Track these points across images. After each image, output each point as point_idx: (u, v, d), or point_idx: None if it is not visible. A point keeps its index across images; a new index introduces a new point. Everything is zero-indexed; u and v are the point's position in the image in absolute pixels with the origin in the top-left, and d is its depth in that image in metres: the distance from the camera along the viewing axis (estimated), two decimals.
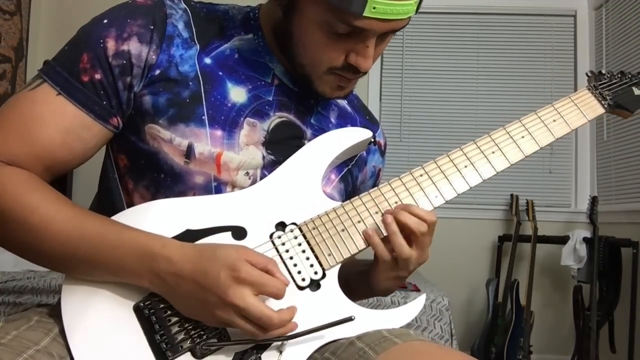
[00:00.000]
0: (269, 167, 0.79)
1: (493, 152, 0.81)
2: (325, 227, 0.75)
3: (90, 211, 0.73)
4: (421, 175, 0.79)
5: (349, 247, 0.75)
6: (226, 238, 0.73)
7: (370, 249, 0.77)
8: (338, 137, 0.82)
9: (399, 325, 0.73)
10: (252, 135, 0.78)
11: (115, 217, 0.73)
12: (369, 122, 0.96)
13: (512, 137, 0.82)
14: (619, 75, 0.92)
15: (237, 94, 0.79)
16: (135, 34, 0.74)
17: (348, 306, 0.73)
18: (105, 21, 0.75)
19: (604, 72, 0.93)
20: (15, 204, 0.68)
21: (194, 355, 0.67)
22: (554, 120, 0.84)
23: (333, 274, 0.74)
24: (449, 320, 1.89)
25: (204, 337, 0.68)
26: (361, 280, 0.82)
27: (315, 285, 0.73)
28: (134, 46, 0.74)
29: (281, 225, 0.75)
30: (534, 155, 0.83)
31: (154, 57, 0.75)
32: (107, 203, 0.79)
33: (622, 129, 2.80)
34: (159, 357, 0.67)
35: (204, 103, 0.76)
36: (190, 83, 0.76)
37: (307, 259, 0.73)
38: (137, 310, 0.69)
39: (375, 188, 0.78)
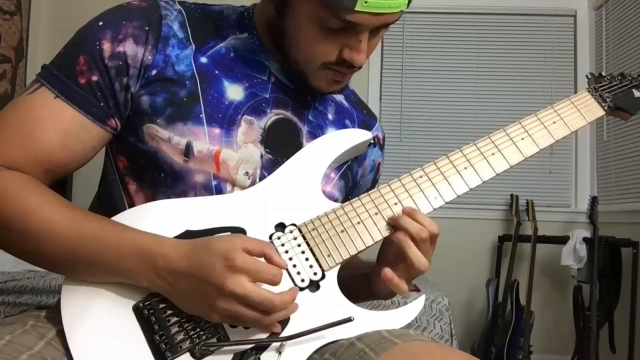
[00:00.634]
0: (267, 166, 0.79)
1: (493, 154, 0.81)
2: (325, 228, 0.75)
3: (89, 212, 0.73)
4: (421, 177, 0.79)
5: (349, 248, 0.75)
6: None
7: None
8: (338, 139, 0.82)
9: (399, 325, 0.73)
10: (249, 133, 0.79)
11: (115, 218, 0.73)
12: (367, 116, 0.96)
13: (511, 139, 0.82)
14: (619, 77, 0.92)
15: (234, 92, 0.79)
16: (131, 36, 0.75)
17: (347, 307, 0.73)
18: (100, 23, 0.76)
19: (604, 74, 0.93)
20: (14, 207, 0.68)
21: (193, 355, 0.67)
22: (554, 122, 0.84)
23: (332, 275, 0.74)
24: (449, 320, 1.89)
25: (203, 337, 0.68)
26: (363, 283, 0.82)
27: (314, 286, 0.73)
28: (129, 47, 0.74)
29: (280, 226, 0.75)
30: (533, 156, 0.83)
31: (149, 57, 0.75)
32: (108, 204, 0.79)
33: (622, 129, 2.80)
34: (158, 357, 0.67)
35: (201, 101, 0.76)
36: (187, 82, 0.77)
37: (307, 259, 0.73)
38: (137, 310, 0.69)
39: (375, 189, 0.78)
